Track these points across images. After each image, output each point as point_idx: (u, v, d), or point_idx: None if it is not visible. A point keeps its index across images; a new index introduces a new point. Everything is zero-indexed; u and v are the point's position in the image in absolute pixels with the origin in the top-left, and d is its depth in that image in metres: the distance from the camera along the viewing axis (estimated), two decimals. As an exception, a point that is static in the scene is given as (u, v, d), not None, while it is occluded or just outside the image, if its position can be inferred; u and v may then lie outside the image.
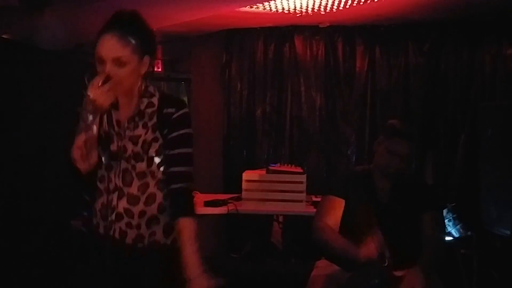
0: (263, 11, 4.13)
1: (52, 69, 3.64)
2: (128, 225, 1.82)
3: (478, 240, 3.51)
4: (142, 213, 1.82)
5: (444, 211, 3.90)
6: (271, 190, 3.77)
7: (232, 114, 4.97)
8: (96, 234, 1.86)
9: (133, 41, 1.72)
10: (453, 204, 3.91)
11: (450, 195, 4.34)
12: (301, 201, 3.75)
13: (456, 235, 3.74)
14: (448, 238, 3.75)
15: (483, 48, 4.51)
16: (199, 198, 3.70)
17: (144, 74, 1.81)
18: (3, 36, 3.84)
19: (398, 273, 2.24)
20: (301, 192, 3.76)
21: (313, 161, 4.82)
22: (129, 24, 1.74)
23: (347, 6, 3.99)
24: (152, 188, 1.83)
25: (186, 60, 5.09)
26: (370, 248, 2.18)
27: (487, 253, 3.37)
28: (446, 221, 3.83)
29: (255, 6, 3.98)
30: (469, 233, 3.66)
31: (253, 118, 4.93)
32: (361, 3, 3.90)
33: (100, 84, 1.65)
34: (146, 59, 1.78)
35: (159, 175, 1.83)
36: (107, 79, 1.66)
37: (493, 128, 3.36)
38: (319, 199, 3.35)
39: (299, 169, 3.88)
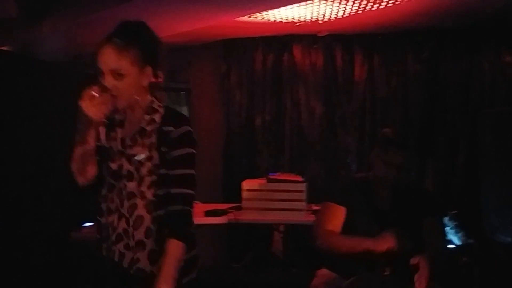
0: (262, 20, 4.15)
1: (51, 80, 3.64)
2: (126, 247, 1.75)
3: (480, 247, 3.50)
4: (133, 236, 1.74)
5: (446, 219, 3.89)
6: (271, 199, 3.76)
7: (232, 124, 4.97)
8: (100, 254, 1.80)
9: (133, 52, 1.67)
10: (454, 212, 3.90)
11: (451, 203, 4.33)
12: (301, 210, 3.74)
13: (457, 242, 3.72)
14: (449, 246, 3.74)
15: (482, 55, 4.52)
16: (199, 208, 3.69)
17: (149, 86, 1.75)
18: (2, 48, 3.85)
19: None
20: (301, 201, 3.75)
21: (313, 170, 4.81)
22: (130, 34, 1.70)
23: (345, 15, 4.01)
24: (140, 210, 1.74)
25: (185, 70, 5.10)
26: (388, 239, 2.17)
27: (488, 260, 3.36)
28: (447, 228, 3.82)
29: (253, 16, 3.99)
30: (470, 240, 3.65)
31: (253, 127, 4.93)
32: (359, 12, 3.91)
33: (92, 95, 1.60)
34: (148, 70, 1.72)
35: (149, 196, 1.74)
36: (102, 91, 1.61)
37: (493, 135, 3.36)
38: (319, 208, 3.36)
39: (299, 178, 3.88)
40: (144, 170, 1.73)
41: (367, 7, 3.79)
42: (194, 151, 1.77)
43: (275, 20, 4.16)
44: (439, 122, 4.63)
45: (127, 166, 1.74)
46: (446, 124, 4.60)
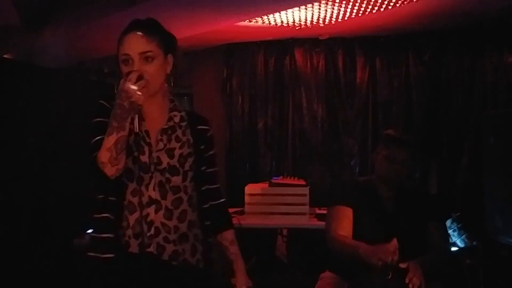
0: (263, 24, 4.15)
1: (54, 87, 3.66)
2: (166, 239, 1.76)
3: (484, 249, 3.48)
4: (175, 228, 1.78)
5: (449, 221, 3.87)
6: (274, 203, 3.76)
7: (234, 128, 4.97)
8: (126, 254, 1.73)
9: (157, 37, 1.72)
10: (458, 214, 3.88)
11: (455, 205, 4.31)
12: (304, 213, 3.73)
13: (461, 245, 3.70)
14: (453, 249, 3.72)
15: (484, 56, 4.51)
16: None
17: (168, 76, 1.80)
18: (5, 56, 3.87)
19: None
20: (304, 204, 3.74)
21: (316, 173, 4.80)
22: (150, 24, 1.76)
23: (346, 18, 4.01)
24: (184, 205, 1.81)
25: (187, 75, 5.11)
26: (386, 252, 2.14)
27: (493, 262, 3.34)
28: (451, 231, 3.80)
29: (254, 20, 4.00)
30: (474, 243, 3.63)
31: (255, 131, 4.93)
32: (360, 15, 3.91)
33: (134, 80, 1.59)
34: (170, 58, 1.77)
35: (190, 191, 1.82)
36: (140, 77, 1.61)
37: (496, 136, 3.34)
38: (323, 212, 3.35)
39: (301, 182, 3.87)
40: (187, 165, 1.80)
41: (367, 10, 3.79)
42: None
43: (276, 24, 4.17)
44: (442, 124, 4.61)
45: (167, 160, 1.77)
46: (449, 126, 4.59)
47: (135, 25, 1.73)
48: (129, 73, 1.62)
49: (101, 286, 1.75)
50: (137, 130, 1.69)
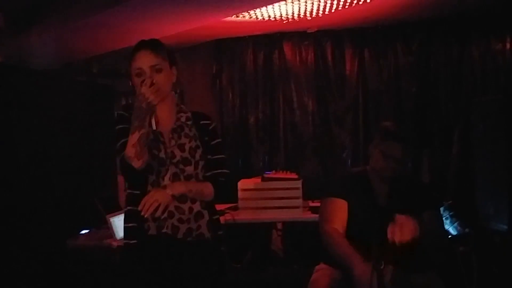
0: (250, 19, 4.15)
1: (42, 88, 3.63)
2: (180, 220, 2.07)
3: (477, 236, 3.51)
4: (190, 209, 2.08)
5: (441, 209, 3.89)
6: (267, 197, 3.77)
7: (226, 123, 4.97)
8: (148, 237, 2.05)
9: (162, 53, 2.07)
10: (450, 202, 3.90)
11: (446, 193, 4.34)
12: (298, 207, 3.74)
13: (454, 232, 3.72)
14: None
15: (472, 44, 4.54)
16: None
17: (174, 86, 2.14)
18: (-9, 58, 3.84)
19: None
20: (297, 198, 3.75)
21: (309, 166, 4.82)
22: (154, 42, 2.10)
23: (333, 11, 4.01)
24: None
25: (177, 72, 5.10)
26: (364, 269, 2.14)
27: (486, 249, 3.36)
28: (443, 219, 3.82)
29: (241, 15, 3.99)
30: (467, 230, 3.65)
31: (247, 126, 4.93)
32: (347, 7, 3.91)
33: (149, 84, 1.92)
34: (174, 69, 2.13)
35: (201, 177, 2.13)
36: (152, 83, 1.94)
37: (485, 123, 3.36)
38: (316, 204, 3.36)
39: (294, 175, 3.88)
40: (197, 156, 2.12)
41: (354, 2, 3.80)
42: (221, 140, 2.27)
43: (263, 19, 4.16)
44: (432, 113, 4.64)
45: (179, 153, 2.09)
46: (439, 115, 4.62)
47: (143, 45, 2.07)
48: (143, 81, 1.95)
49: (131, 267, 2.11)
50: (155, 128, 2.04)
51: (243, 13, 3.91)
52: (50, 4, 3.64)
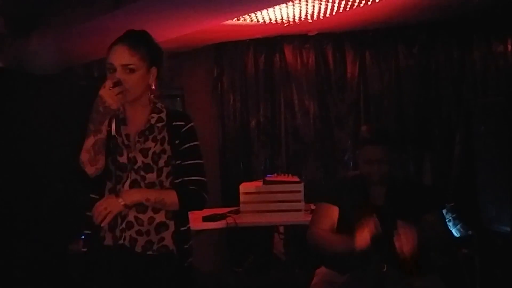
0: (250, 23, 4.15)
1: (43, 93, 3.64)
2: (138, 232, 1.88)
3: (479, 238, 3.49)
4: (150, 220, 1.89)
5: (444, 212, 3.87)
6: (269, 201, 3.75)
7: (227, 127, 4.97)
8: (103, 247, 1.88)
9: (142, 51, 1.85)
10: (452, 204, 3.89)
11: (449, 195, 4.32)
12: (299, 210, 3.72)
13: (456, 235, 3.71)
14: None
15: (473, 46, 4.53)
16: (197, 213, 3.67)
17: (151, 86, 1.93)
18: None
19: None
20: (299, 201, 3.73)
21: (311, 169, 4.81)
22: (138, 37, 1.89)
23: (334, 13, 4.00)
24: None
25: (178, 76, 5.09)
26: (363, 236, 2.14)
27: (488, 251, 3.35)
28: (445, 221, 3.81)
29: (242, 19, 3.99)
30: (469, 232, 3.64)
31: (248, 129, 4.93)
32: (347, 9, 3.91)
33: (111, 86, 1.76)
34: (154, 70, 1.90)
35: (167, 185, 1.92)
36: (117, 83, 1.78)
37: (486, 125, 3.36)
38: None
39: (295, 179, 3.86)
40: (161, 162, 1.90)
41: (355, 4, 3.79)
42: (199, 144, 1.99)
43: (264, 22, 4.16)
44: (433, 115, 4.63)
45: (141, 159, 1.89)
46: (441, 117, 4.60)
47: (124, 37, 1.88)
48: (109, 78, 1.79)
49: (80, 276, 1.97)
50: (114, 133, 1.85)
51: (243, 16, 3.91)
52: (50, 8, 3.65)
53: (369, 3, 3.76)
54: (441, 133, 4.59)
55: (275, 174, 4.10)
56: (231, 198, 4.18)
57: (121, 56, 1.83)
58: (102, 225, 1.80)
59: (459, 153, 4.46)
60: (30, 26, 3.66)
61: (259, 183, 3.88)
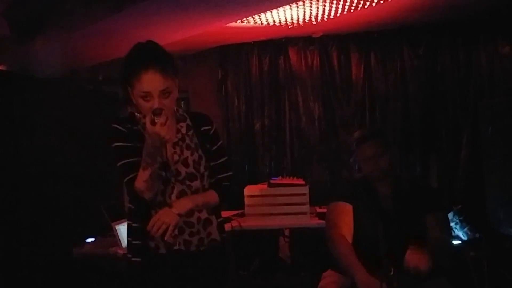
0: (255, 25, 4.13)
1: (49, 97, 3.64)
2: (191, 234, 2.02)
3: (487, 241, 3.45)
4: (198, 219, 2.03)
5: (451, 214, 3.84)
6: (274, 204, 3.72)
7: (231, 130, 4.95)
8: (157, 255, 1.99)
9: (169, 70, 1.88)
10: (460, 207, 3.85)
11: (456, 198, 4.29)
12: (305, 213, 3.70)
13: (464, 238, 3.68)
14: (457, 242, 3.69)
15: (479, 47, 4.50)
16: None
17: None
18: (-3, 67, 3.85)
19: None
20: (304, 204, 3.71)
21: (316, 171, 4.79)
22: (159, 56, 1.89)
23: (338, 15, 3.99)
24: None
25: (182, 79, 5.09)
26: (367, 282, 2.14)
27: (496, 254, 3.31)
28: (453, 224, 3.78)
29: (246, 21, 3.98)
30: (477, 235, 3.60)
31: (253, 132, 4.91)
32: (352, 11, 3.89)
33: (162, 122, 1.77)
34: (177, 81, 1.95)
35: (207, 186, 2.06)
36: (160, 113, 1.78)
37: (494, 126, 3.32)
38: (323, 210, 3.32)
39: (300, 181, 3.84)
40: (201, 168, 2.03)
41: (359, 5, 3.77)
42: (222, 141, 2.17)
43: (268, 24, 4.15)
44: (440, 116, 4.60)
45: (184, 169, 2.00)
46: (447, 118, 4.57)
47: (151, 62, 1.85)
48: (153, 110, 1.79)
49: (137, 285, 2.04)
50: (165, 159, 1.95)
51: (247, 18, 3.89)
52: (55, 12, 3.65)
53: (374, 4, 3.75)
54: (448, 134, 4.56)
55: (280, 177, 4.08)
56: (236, 201, 4.15)
57: (157, 83, 1.84)
58: (166, 239, 1.88)
59: (466, 155, 4.42)
60: (35, 30, 3.66)
61: (264, 186, 3.86)
